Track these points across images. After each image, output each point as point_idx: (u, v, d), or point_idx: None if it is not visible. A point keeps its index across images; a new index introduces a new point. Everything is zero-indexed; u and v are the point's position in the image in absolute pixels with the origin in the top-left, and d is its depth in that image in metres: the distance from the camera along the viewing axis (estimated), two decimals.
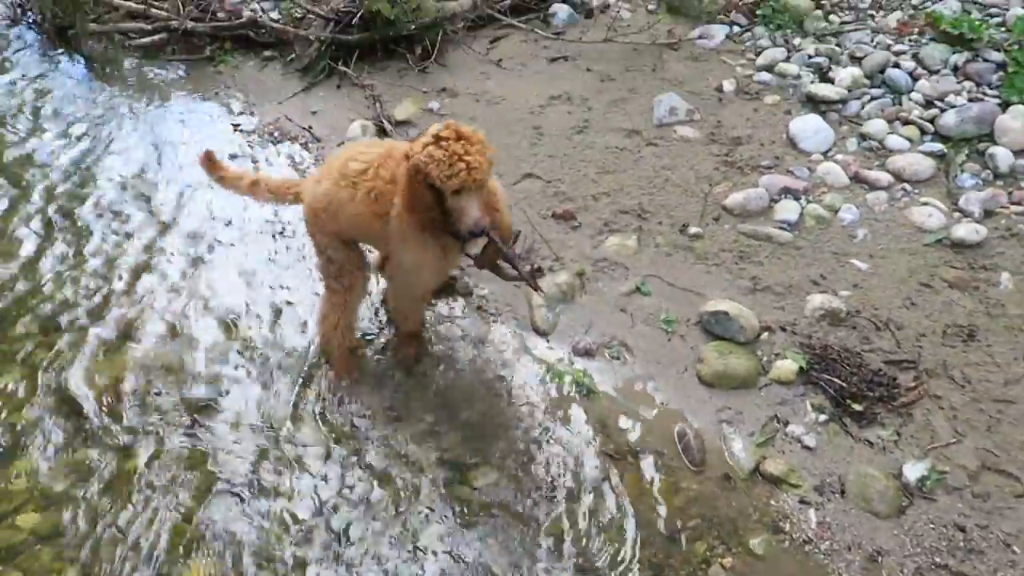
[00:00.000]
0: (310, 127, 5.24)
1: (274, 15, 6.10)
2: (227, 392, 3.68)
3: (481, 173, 2.87)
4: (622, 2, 5.94)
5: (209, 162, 3.73)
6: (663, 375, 3.65)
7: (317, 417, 3.57)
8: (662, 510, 3.19)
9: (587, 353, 3.77)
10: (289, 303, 4.07)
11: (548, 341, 3.84)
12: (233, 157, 4.96)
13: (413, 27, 5.58)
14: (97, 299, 4.11)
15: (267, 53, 5.92)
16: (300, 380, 3.71)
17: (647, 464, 3.34)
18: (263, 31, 5.92)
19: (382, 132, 5.07)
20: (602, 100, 5.12)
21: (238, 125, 5.31)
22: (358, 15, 5.56)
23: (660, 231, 4.24)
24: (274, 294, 4.11)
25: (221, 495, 3.29)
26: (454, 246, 3.19)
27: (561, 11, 5.91)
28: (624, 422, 3.49)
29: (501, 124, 4.98)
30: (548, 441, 3.45)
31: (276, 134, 5.24)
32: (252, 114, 5.44)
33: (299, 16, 5.98)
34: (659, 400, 3.56)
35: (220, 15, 6.03)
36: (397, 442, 3.46)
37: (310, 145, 5.14)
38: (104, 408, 3.60)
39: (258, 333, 3.93)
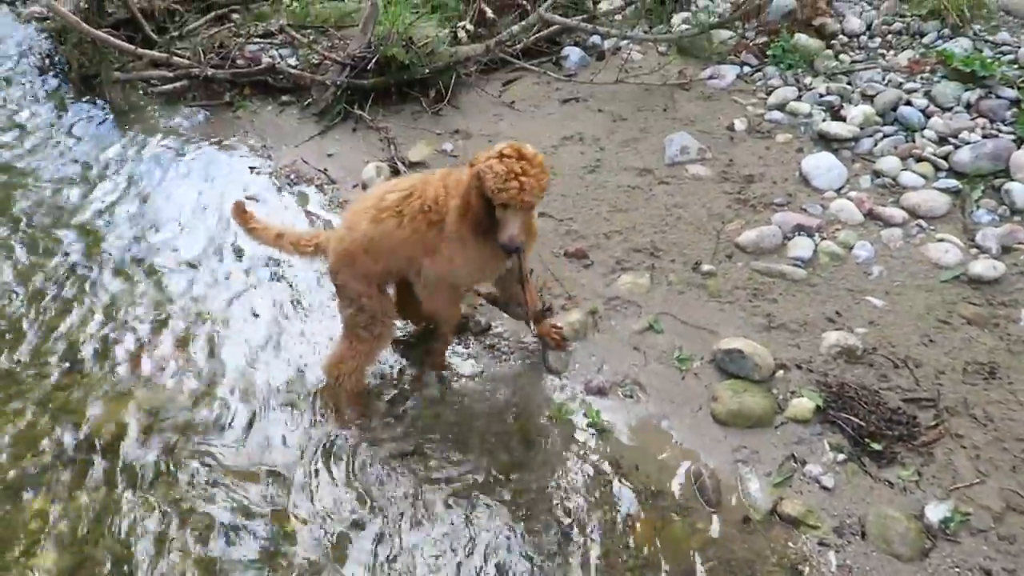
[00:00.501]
0: (325, 169, 5.32)
1: (292, 61, 6.25)
2: (238, 430, 3.68)
3: (531, 195, 3.04)
4: (633, 44, 6.01)
5: (240, 213, 3.76)
6: (677, 414, 3.61)
7: (326, 458, 3.55)
8: (678, 551, 3.12)
9: (600, 392, 3.74)
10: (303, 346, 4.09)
11: (561, 380, 3.81)
12: (250, 199, 5.03)
13: (427, 71, 5.69)
14: (112, 340, 4.15)
15: (285, 98, 6.05)
16: (312, 420, 3.71)
17: (662, 504, 3.28)
18: (281, 77, 6.06)
19: (396, 173, 5.13)
20: (614, 140, 5.16)
21: (255, 168, 5.41)
22: (373, 60, 5.68)
23: (673, 269, 4.23)
24: (289, 338, 4.13)
25: (232, 538, 3.26)
26: (497, 255, 3.31)
27: (573, 54, 6.01)
28: (638, 461, 3.44)
29: None
30: (560, 481, 3.41)
31: (293, 176, 5.32)
32: (269, 157, 5.54)
33: (316, 62, 6.13)
34: (673, 439, 3.51)
35: (240, 62, 6.19)
36: (408, 480, 3.43)
37: (326, 187, 5.21)
38: (113, 449, 3.60)
39: (272, 375, 3.94)
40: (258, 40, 6.57)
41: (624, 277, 4.22)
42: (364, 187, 5.08)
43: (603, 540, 3.19)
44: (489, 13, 6.27)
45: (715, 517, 3.22)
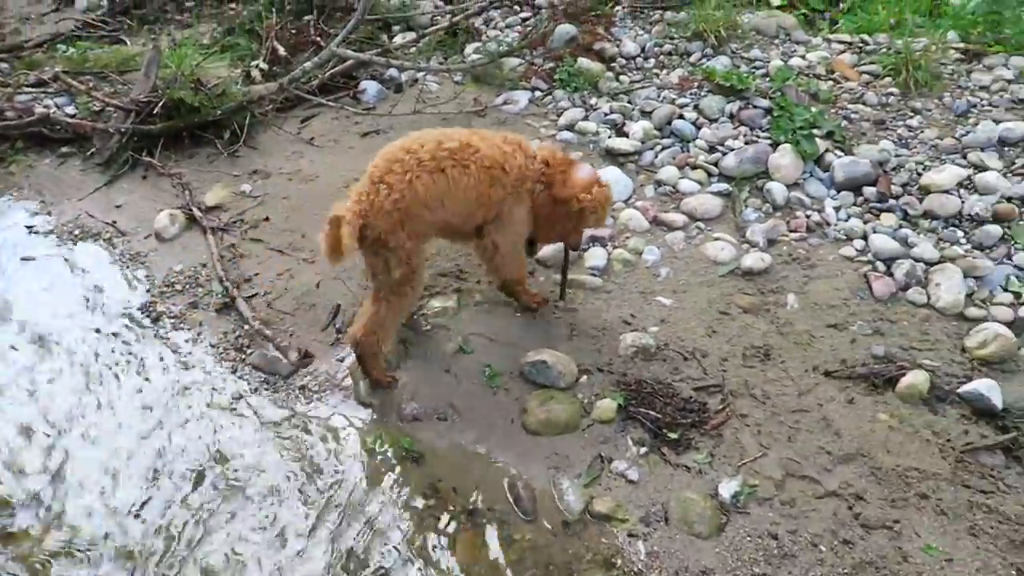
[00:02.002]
0: (114, 221, 5.02)
1: (70, 110, 5.86)
2: None
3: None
4: (429, 75, 6.15)
5: (332, 248, 3.23)
6: (491, 430, 3.68)
7: None
8: (498, 566, 3.17)
9: (415, 419, 3.75)
10: None
11: (374, 412, 3.79)
12: (26, 260, 4.65)
13: (219, 112, 5.53)
14: None
15: (65, 149, 5.67)
16: None
17: (480, 521, 3.33)
18: (58, 127, 5.67)
19: (192, 220, 4.93)
20: None
21: (32, 227, 5.00)
22: (160, 104, 5.44)
23: (479, 289, 4.33)
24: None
25: None
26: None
27: (371, 87, 6.05)
28: (455, 483, 3.47)
29: (316, 200, 4.96)
30: (378, 514, 3.37)
31: (77, 232, 4.97)
32: (49, 214, 5.15)
33: (97, 109, 5.78)
34: (488, 455, 3.58)
35: (9, 114, 5.72)
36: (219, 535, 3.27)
37: (115, 240, 4.90)
38: None
39: None
40: (29, 89, 6.11)
41: (433, 302, 4.27)
42: (158, 237, 4.84)
43: (425, 569, 3.19)
44: (282, 51, 6.20)
45: (533, 526, 3.30)
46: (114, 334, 4.24)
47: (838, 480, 3.36)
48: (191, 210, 4.98)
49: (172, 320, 4.32)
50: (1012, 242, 4.31)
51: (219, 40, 6.54)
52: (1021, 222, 4.39)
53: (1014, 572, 3.03)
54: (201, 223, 4.88)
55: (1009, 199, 4.46)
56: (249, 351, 4.12)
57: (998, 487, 3.33)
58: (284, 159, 5.41)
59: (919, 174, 4.70)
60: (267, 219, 4.90)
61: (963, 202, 4.50)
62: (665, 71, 5.85)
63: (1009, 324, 3.94)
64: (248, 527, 3.33)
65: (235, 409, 3.83)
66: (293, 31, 6.52)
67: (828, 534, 3.18)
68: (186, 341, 4.19)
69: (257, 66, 6.06)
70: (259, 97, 5.69)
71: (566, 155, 3.96)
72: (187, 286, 4.53)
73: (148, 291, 4.51)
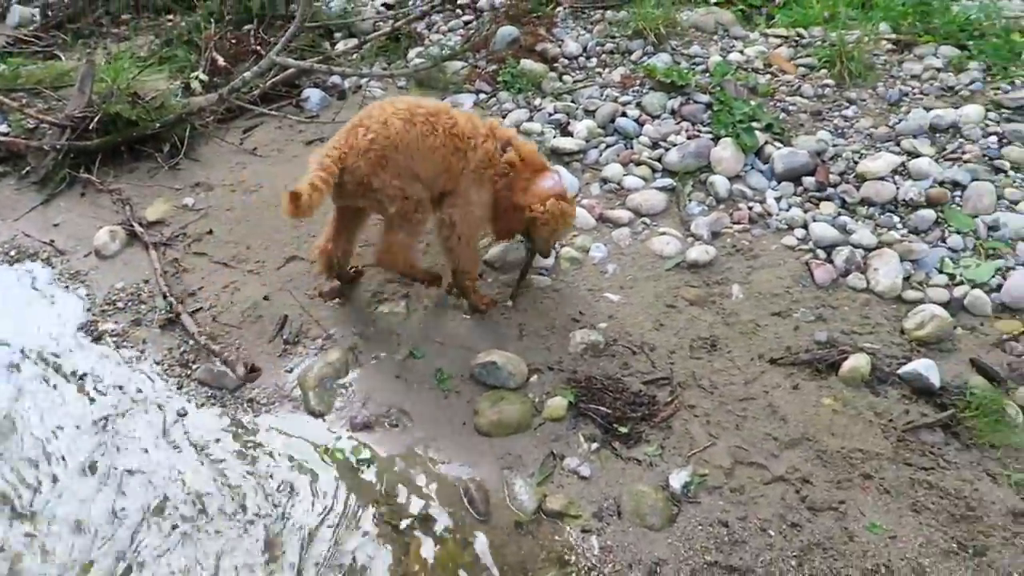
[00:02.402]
0: (52, 241, 4.89)
1: (2, 128, 5.70)
2: None
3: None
4: (373, 82, 6.12)
5: (294, 201, 3.45)
6: (443, 434, 3.67)
7: None
8: (452, 569, 3.16)
9: (366, 427, 3.72)
10: None
11: (324, 421, 3.75)
12: None
13: (158, 125, 5.43)
14: None
15: None
16: None
17: (434, 527, 3.32)
18: None
19: (133, 236, 4.83)
20: None
21: None
22: (96, 119, 5.33)
23: (428, 293, 4.31)
24: None
25: None
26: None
27: (313, 95, 5.99)
28: (408, 489, 3.46)
29: (260, 211, 4.92)
30: (331, 527, 3.33)
31: (12, 253, 4.83)
32: None
33: (31, 127, 5.63)
34: (441, 459, 3.57)
35: None
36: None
37: (53, 260, 4.78)
38: None
39: None
40: None
41: (381, 308, 4.25)
42: (98, 255, 4.74)
43: (380, 572, 3.17)
44: (221, 61, 6.11)
45: (487, 527, 3.30)
46: (54, 355, 4.13)
47: (785, 465, 3.42)
48: (132, 226, 4.88)
49: (115, 339, 4.22)
50: (945, 225, 4.43)
51: (157, 52, 6.42)
52: (954, 206, 4.51)
53: (955, 545, 3.12)
54: (143, 239, 4.78)
55: (941, 183, 4.59)
56: (195, 366, 4.04)
57: (938, 463, 3.42)
58: (227, 170, 5.34)
59: (855, 162, 4.81)
60: (210, 232, 4.83)
61: (898, 188, 4.61)
62: (607, 70, 5.90)
63: (945, 305, 4.05)
64: (199, 549, 3.27)
65: (181, 425, 3.76)
66: (233, 41, 6.43)
67: (776, 518, 3.23)
68: (129, 359, 4.11)
69: (197, 77, 5.97)
70: (199, 109, 5.60)
71: (542, 161, 4.07)
72: (129, 303, 4.43)
73: (89, 310, 4.40)
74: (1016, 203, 4.49)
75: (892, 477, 3.36)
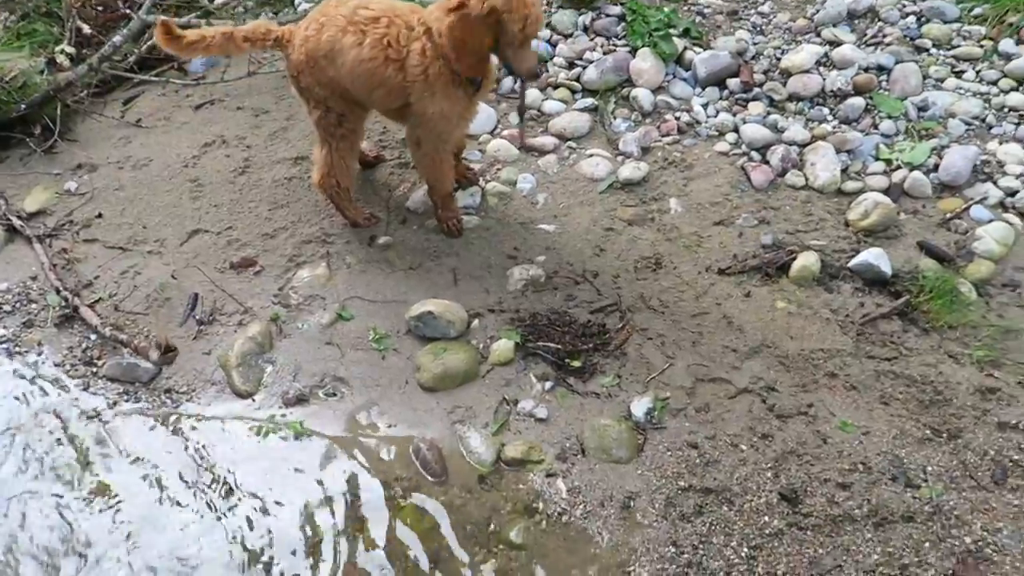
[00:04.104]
0: None
1: None
2: None
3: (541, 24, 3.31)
4: None
5: (166, 34, 3.42)
6: (386, 396, 3.39)
7: None
8: (413, 540, 2.92)
9: (300, 400, 3.41)
10: None
11: (254, 401, 3.43)
12: None
13: (24, 107, 4.86)
14: None
15: None
16: None
17: (387, 496, 3.06)
18: None
19: (12, 231, 4.33)
20: (260, 135, 4.76)
21: None
22: None
23: (349, 250, 3.98)
24: None
25: None
26: (471, 99, 3.50)
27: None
28: (354, 460, 3.18)
29: (154, 185, 4.46)
30: (274, 509, 3.05)
31: None
32: None
33: None
34: (387, 423, 3.30)
35: None
36: None
37: None
38: None
39: None
40: None
41: (300, 273, 3.90)
42: None
43: (337, 556, 2.91)
44: (87, 30, 5.51)
45: (444, 487, 3.06)
46: None
47: (748, 376, 3.27)
48: (9, 220, 4.36)
49: (5, 345, 3.78)
50: (876, 111, 4.30)
51: (12, 28, 5.76)
52: (881, 91, 4.38)
53: (929, 432, 3.02)
54: (23, 232, 4.29)
55: (866, 69, 4.44)
56: (101, 363, 3.65)
57: (900, 352, 3.32)
58: (110, 147, 4.82)
59: (778, 59, 4.61)
60: (100, 216, 4.36)
61: (824, 79, 4.44)
62: None
63: (885, 191, 3.94)
64: (143, 550, 2.94)
65: (92, 429, 3.38)
66: (99, 7, 5.80)
67: (747, 432, 3.08)
68: (25, 366, 3.68)
69: (63, 51, 5.36)
70: (67, 84, 5.02)
71: None
72: (18, 304, 3.97)
73: None
74: (942, 80, 4.39)
75: (857, 372, 3.24)
